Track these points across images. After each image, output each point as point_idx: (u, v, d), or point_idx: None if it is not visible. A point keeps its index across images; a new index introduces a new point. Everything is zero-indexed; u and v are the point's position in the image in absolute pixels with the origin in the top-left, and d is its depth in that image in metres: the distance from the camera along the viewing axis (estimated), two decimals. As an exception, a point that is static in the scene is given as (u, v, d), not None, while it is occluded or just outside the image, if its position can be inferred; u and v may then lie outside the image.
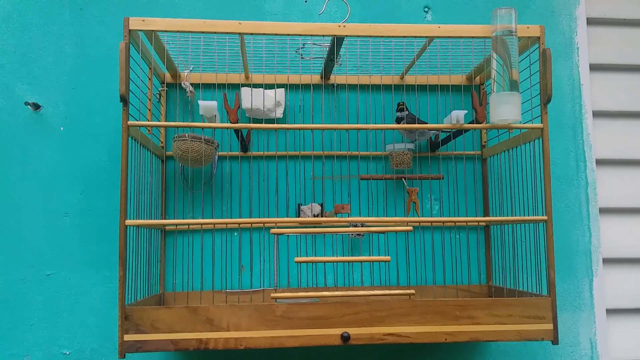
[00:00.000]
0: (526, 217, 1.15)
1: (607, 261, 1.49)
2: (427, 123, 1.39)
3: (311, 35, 1.12)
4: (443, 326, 1.07)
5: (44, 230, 1.36)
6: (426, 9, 1.51)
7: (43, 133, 1.39)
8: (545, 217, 1.12)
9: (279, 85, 1.40)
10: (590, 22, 1.56)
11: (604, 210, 1.50)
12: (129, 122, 1.06)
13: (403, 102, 1.36)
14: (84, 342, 1.34)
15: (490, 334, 1.07)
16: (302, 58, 1.38)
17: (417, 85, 1.43)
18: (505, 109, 1.10)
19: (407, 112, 1.35)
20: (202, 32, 1.10)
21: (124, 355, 1.02)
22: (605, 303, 1.46)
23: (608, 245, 1.49)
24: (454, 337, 1.07)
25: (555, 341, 1.08)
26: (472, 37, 1.14)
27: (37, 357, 1.33)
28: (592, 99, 1.53)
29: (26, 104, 1.38)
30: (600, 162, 1.52)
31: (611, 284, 1.49)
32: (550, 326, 1.08)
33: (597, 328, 1.45)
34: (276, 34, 1.11)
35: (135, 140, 1.12)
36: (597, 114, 1.53)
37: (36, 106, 1.39)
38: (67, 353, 1.34)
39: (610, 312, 1.47)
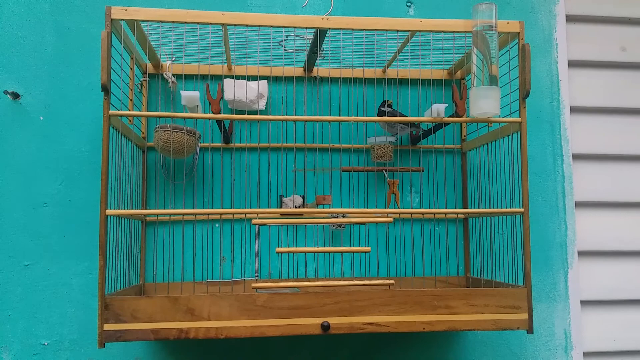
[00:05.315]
0: (503, 210, 1.17)
1: (582, 254, 1.52)
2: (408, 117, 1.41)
3: (294, 27, 1.12)
4: (421, 316, 1.08)
5: (23, 220, 1.35)
6: (409, 4, 1.52)
7: (22, 122, 1.37)
8: (522, 210, 1.15)
9: (262, 77, 1.40)
10: (570, 19, 1.59)
11: (579, 204, 1.54)
12: (111, 112, 1.06)
13: (390, 100, 1.36)
14: (63, 333, 1.34)
15: (467, 323, 1.09)
16: (285, 50, 1.38)
17: (399, 79, 1.45)
18: (485, 103, 1.12)
19: (390, 110, 1.36)
20: (185, 23, 1.09)
21: (104, 344, 1.02)
22: (579, 294, 1.50)
23: (583, 238, 1.53)
24: (432, 326, 1.09)
25: (530, 330, 1.11)
26: (454, 32, 1.16)
27: (15, 348, 1.32)
28: (569, 94, 1.56)
29: (5, 92, 1.36)
30: (576, 157, 1.55)
31: (586, 276, 1.52)
32: (525, 316, 1.11)
33: (571, 319, 1.48)
34: (259, 26, 1.11)
35: (116, 130, 1.12)
36: (574, 110, 1.56)
37: (15, 95, 1.37)
38: (46, 344, 1.33)
39: (584, 303, 1.51)
